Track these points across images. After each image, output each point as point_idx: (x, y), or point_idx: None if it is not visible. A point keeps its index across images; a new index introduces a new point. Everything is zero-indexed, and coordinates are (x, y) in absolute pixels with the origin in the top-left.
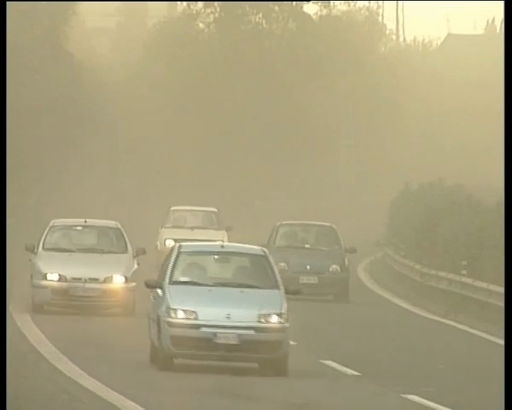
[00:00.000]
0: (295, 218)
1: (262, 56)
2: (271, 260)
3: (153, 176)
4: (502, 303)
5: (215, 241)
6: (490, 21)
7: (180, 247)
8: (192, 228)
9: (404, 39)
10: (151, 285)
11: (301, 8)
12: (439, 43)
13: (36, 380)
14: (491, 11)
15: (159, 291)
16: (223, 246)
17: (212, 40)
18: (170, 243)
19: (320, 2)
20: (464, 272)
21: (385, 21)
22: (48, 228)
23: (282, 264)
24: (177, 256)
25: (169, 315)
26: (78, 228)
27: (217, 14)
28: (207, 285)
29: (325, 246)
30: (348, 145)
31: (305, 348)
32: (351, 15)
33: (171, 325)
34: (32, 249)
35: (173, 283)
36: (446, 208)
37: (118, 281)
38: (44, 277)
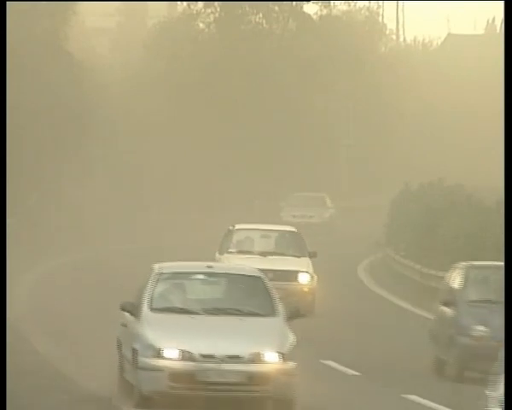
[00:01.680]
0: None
1: (262, 56)
2: None
3: (152, 176)
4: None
5: (297, 271)
6: (490, 21)
7: None
8: (264, 254)
9: (404, 39)
10: None
11: (301, 8)
12: (439, 43)
13: (36, 380)
14: (491, 11)
15: None
16: None
17: (212, 40)
18: None
19: (320, 2)
20: None
21: (385, 21)
22: (152, 276)
23: (481, 328)
24: None
25: None
26: (199, 277)
27: (217, 14)
28: None
29: None
30: (348, 145)
31: (306, 348)
32: (351, 15)
33: None
34: (131, 310)
35: None
36: (446, 208)
37: (271, 360)
38: (158, 353)
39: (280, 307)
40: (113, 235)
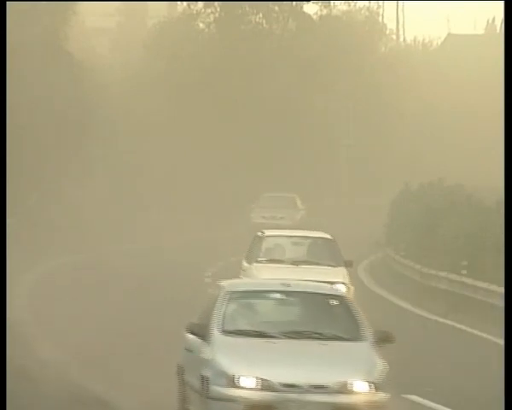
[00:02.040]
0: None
1: (262, 56)
2: None
3: (152, 176)
4: (502, 303)
5: (332, 282)
6: (490, 21)
7: None
8: (296, 263)
9: (404, 39)
10: None
11: (301, 8)
12: (439, 43)
13: (36, 380)
14: (491, 11)
15: None
16: None
17: (213, 40)
18: None
19: (320, 2)
20: (464, 272)
21: (385, 21)
22: (222, 295)
23: None
24: None
25: None
26: (275, 296)
27: (217, 14)
28: None
29: None
30: (348, 145)
31: None
32: (351, 15)
33: None
34: (200, 333)
35: None
36: (446, 208)
37: (360, 390)
38: (232, 382)
39: (367, 330)
40: (113, 235)
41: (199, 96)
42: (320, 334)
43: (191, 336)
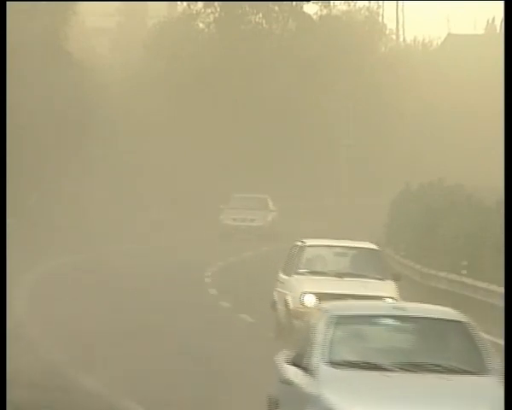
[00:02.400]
0: (300, 217)
1: (262, 56)
2: None
3: (152, 176)
4: (502, 303)
5: (381, 297)
6: (490, 21)
7: None
8: (340, 275)
9: (404, 39)
10: None
11: (301, 8)
12: (439, 43)
13: (35, 380)
14: (491, 11)
15: None
16: None
17: (212, 40)
18: (310, 301)
19: (320, 2)
20: (464, 272)
21: (385, 21)
22: (324, 320)
23: None
24: None
25: None
26: (386, 321)
27: (217, 14)
28: None
29: None
30: (348, 145)
31: None
32: (351, 15)
33: None
34: (302, 364)
35: None
36: (446, 208)
37: None
38: None
39: (494, 362)
40: (113, 235)
41: (199, 96)
42: (440, 366)
43: (290, 367)
